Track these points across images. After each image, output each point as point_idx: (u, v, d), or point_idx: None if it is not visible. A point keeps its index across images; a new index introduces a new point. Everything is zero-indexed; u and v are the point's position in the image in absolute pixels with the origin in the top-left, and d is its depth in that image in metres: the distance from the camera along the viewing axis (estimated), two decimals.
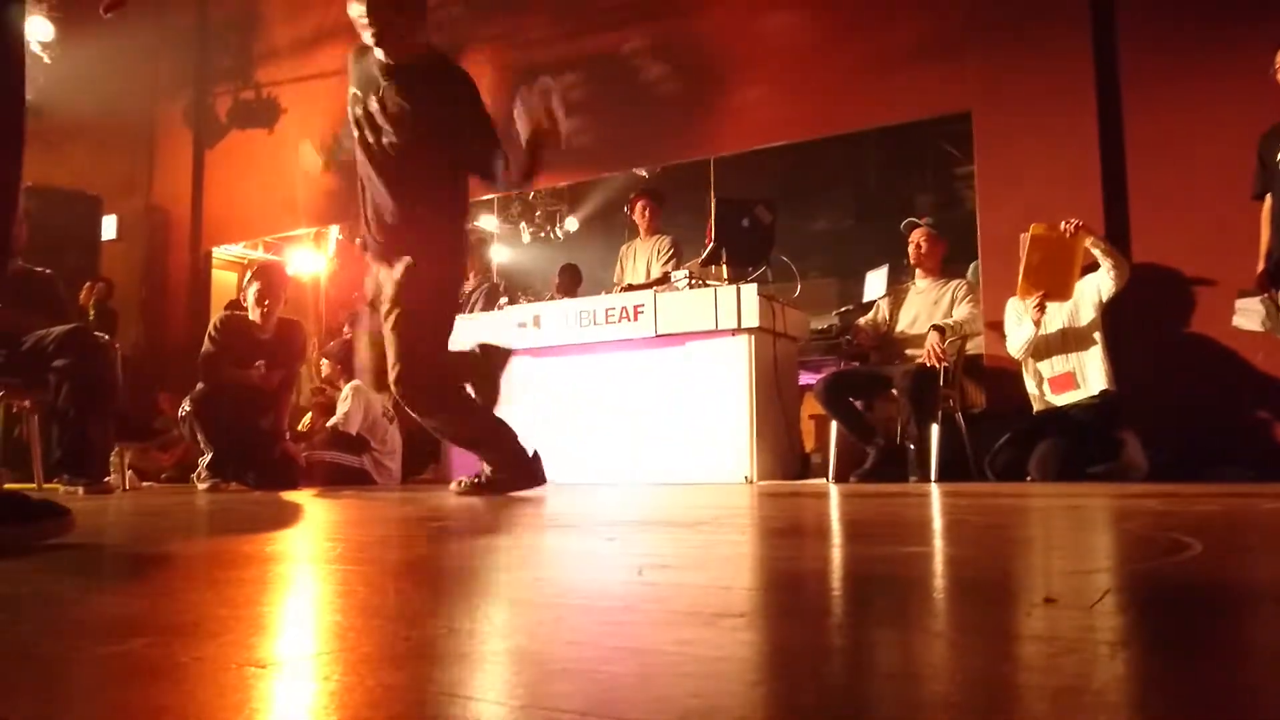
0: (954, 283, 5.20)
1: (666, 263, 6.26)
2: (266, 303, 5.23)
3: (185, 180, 8.82)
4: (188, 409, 5.06)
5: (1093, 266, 4.67)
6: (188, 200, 8.78)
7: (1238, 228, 4.36)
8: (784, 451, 5.29)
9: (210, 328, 5.37)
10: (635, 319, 5.29)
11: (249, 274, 5.56)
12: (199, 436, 5.05)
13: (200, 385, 5.09)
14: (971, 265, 5.73)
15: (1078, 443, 4.50)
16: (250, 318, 5.29)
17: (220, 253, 9.30)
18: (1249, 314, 4.12)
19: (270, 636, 0.83)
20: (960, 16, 5.60)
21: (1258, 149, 4.13)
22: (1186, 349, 4.85)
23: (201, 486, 4.98)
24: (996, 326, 5.07)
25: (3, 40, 1.49)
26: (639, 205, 6.53)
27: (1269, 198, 4.12)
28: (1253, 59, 4.23)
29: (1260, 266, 4.12)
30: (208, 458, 5.03)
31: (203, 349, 5.23)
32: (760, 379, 5.08)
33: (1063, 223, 4.61)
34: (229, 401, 5.08)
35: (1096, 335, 4.65)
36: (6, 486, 1.63)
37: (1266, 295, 4.06)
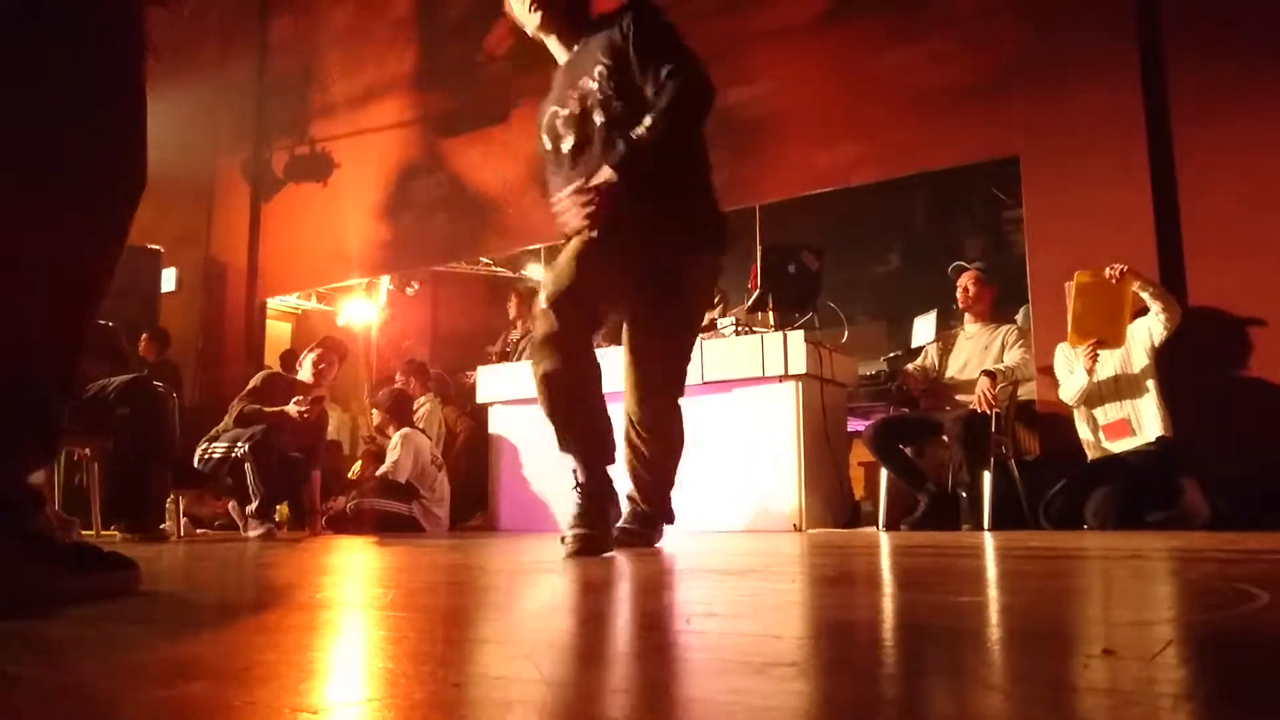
0: (1004, 328, 5.14)
1: (715, 306, 6.27)
2: (321, 367, 5.50)
3: (242, 233, 9.05)
4: (240, 453, 5.14)
5: (1144, 310, 4.59)
6: (244, 252, 9.00)
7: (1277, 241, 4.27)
8: (834, 499, 5.23)
9: (253, 381, 5.56)
10: None
11: (313, 345, 5.87)
12: (252, 481, 5.13)
13: (250, 430, 5.19)
14: (1022, 309, 5.66)
15: (1135, 490, 4.39)
16: (300, 378, 5.55)
17: (274, 304, 9.50)
18: None
19: (320, 682, 0.84)
20: (1006, 59, 5.60)
21: None
22: (1247, 392, 4.73)
23: (255, 533, 5.04)
24: (1048, 371, 5.00)
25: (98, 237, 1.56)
26: None
27: None
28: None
29: None
30: (255, 504, 5.09)
31: (242, 402, 5.38)
32: (808, 425, 5.04)
33: (1108, 269, 4.54)
34: (274, 441, 5.21)
35: (1150, 382, 4.56)
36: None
37: None
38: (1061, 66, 5.39)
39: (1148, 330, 4.56)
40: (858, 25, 6.21)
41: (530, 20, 3.18)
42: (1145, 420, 4.55)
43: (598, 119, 3.02)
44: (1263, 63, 4.91)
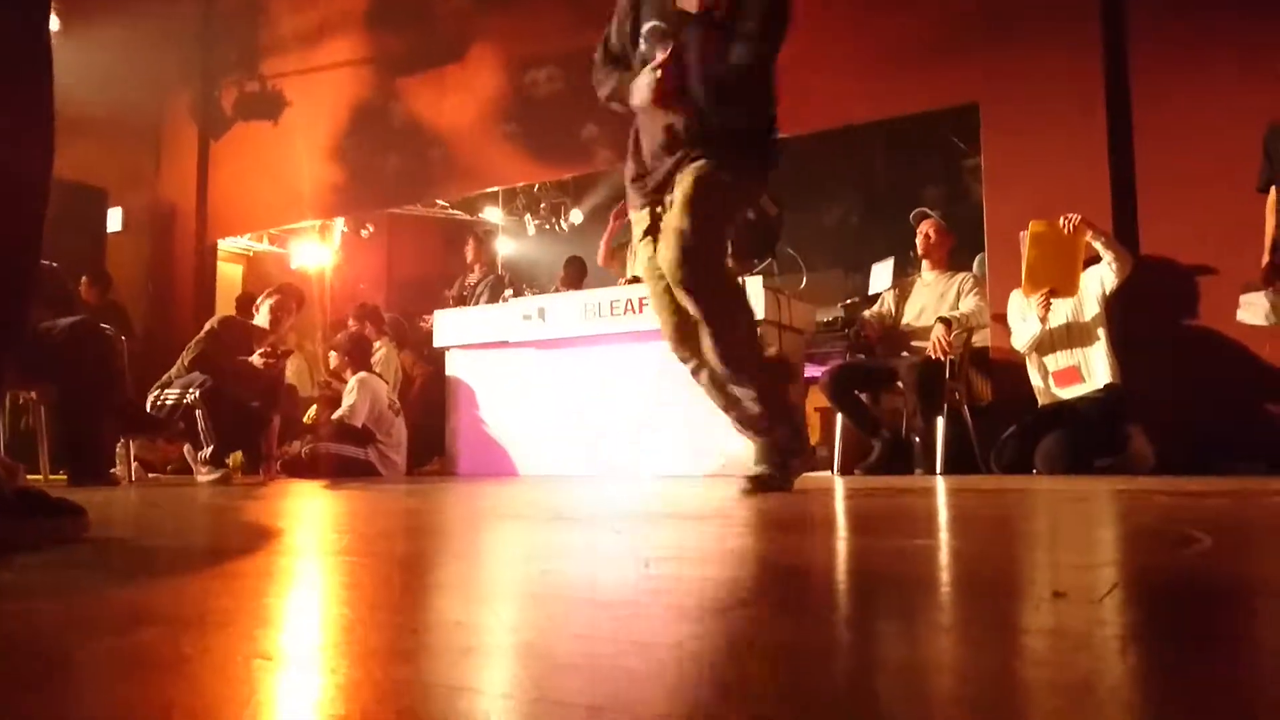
0: (960, 275, 5.19)
1: None
2: (279, 314, 5.46)
3: (190, 173, 8.83)
4: (192, 399, 5.07)
5: (1095, 259, 4.65)
6: (193, 193, 8.79)
7: (1246, 220, 4.33)
8: None
9: (209, 325, 5.47)
10: (640, 311, 5.28)
11: (270, 290, 5.79)
12: (204, 427, 5.07)
13: (202, 376, 5.11)
14: (977, 258, 5.71)
15: (1083, 436, 4.49)
16: (257, 323, 5.47)
17: (225, 245, 9.31)
18: (1253, 308, 4.10)
19: (276, 629, 0.83)
20: (968, 7, 5.57)
21: (1264, 141, 4.11)
22: (1194, 342, 4.84)
23: (208, 479, 4.99)
24: (1002, 319, 5.06)
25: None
26: None
27: (1274, 190, 4.10)
28: (1262, 50, 4.21)
29: (1265, 260, 4.10)
30: (208, 450, 5.04)
31: (199, 346, 5.29)
32: None
33: (1062, 219, 4.59)
34: (229, 389, 5.15)
35: (1100, 330, 4.63)
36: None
37: (1271, 289, 4.04)
38: (1023, 16, 5.37)
39: (1100, 279, 4.62)
40: None
41: None
42: (1095, 368, 4.63)
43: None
44: (1219, 15, 4.93)
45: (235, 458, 5.58)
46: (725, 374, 2.94)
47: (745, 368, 2.93)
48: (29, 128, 1.47)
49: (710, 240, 2.80)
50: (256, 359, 5.20)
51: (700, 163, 2.81)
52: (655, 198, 2.97)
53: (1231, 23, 4.86)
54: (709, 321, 2.82)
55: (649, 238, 2.99)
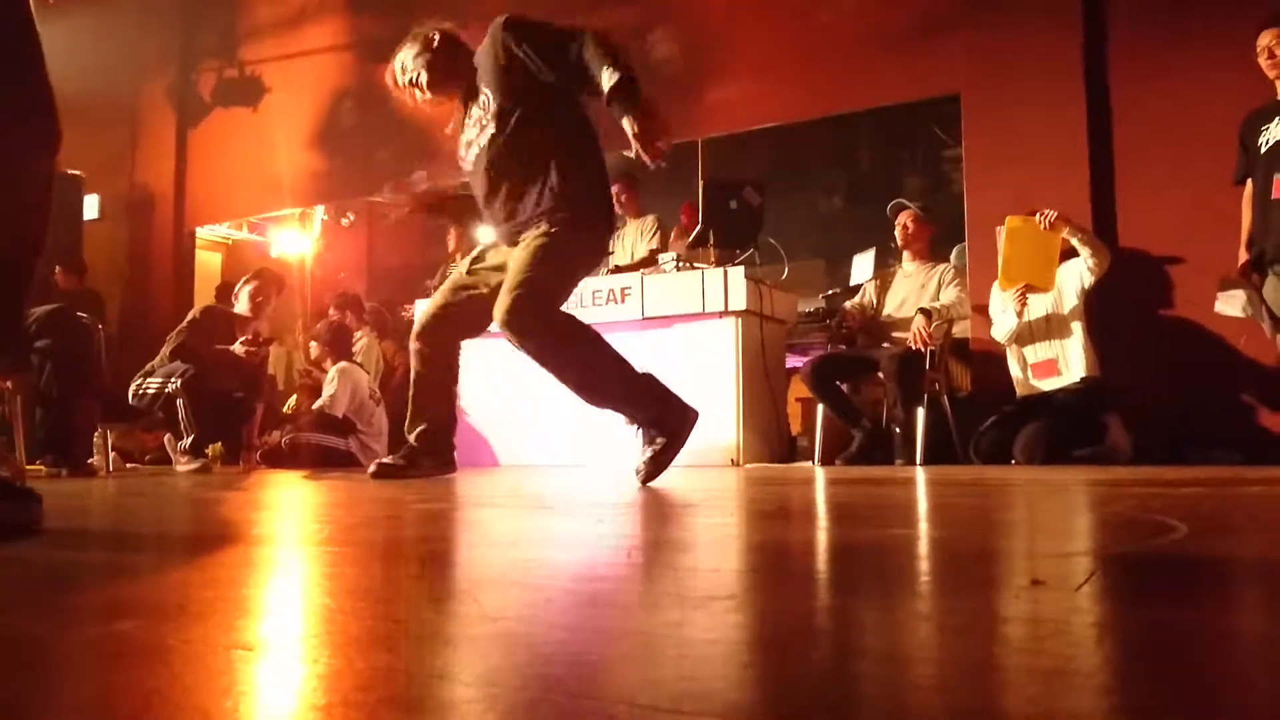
0: (941, 266, 5.21)
1: (651, 240, 6.26)
2: (259, 300, 5.42)
3: (169, 159, 8.74)
4: (173, 389, 5.04)
5: (1074, 251, 4.68)
6: (171, 179, 8.70)
7: (1223, 212, 4.37)
8: (771, 434, 5.30)
9: (191, 314, 5.44)
10: (622, 301, 5.28)
11: (249, 276, 5.77)
12: (184, 417, 5.04)
13: (184, 366, 5.08)
14: (957, 248, 5.73)
15: (1062, 427, 4.52)
16: (237, 311, 5.45)
17: (204, 233, 9.24)
18: (1231, 300, 4.14)
19: (257, 619, 0.83)
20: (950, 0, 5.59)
21: (1239, 133, 4.14)
22: (1172, 333, 4.88)
23: (188, 468, 4.96)
24: (982, 310, 5.09)
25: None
26: (615, 188, 6.52)
27: (1250, 183, 4.13)
28: (1239, 42, 4.23)
29: (1242, 252, 4.14)
30: (188, 440, 5.01)
31: (181, 336, 5.26)
32: (747, 362, 5.08)
33: (1039, 214, 4.61)
34: (209, 378, 5.12)
35: (1078, 323, 4.66)
36: None
37: (1248, 282, 4.07)
38: (1006, 8, 5.39)
39: (1078, 274, 4.65)
40: None
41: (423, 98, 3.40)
42: (1073, 360, 4.67)
43: (493, 129, 3.18)
44: (1198, 8, 4.97)
45: (215, 448, 5.56)
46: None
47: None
48: (26, 120, 1.46)
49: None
50: (238, 348, 5.17)
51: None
52: None
53: (1210, 16, 4.89)
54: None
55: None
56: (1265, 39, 3.96)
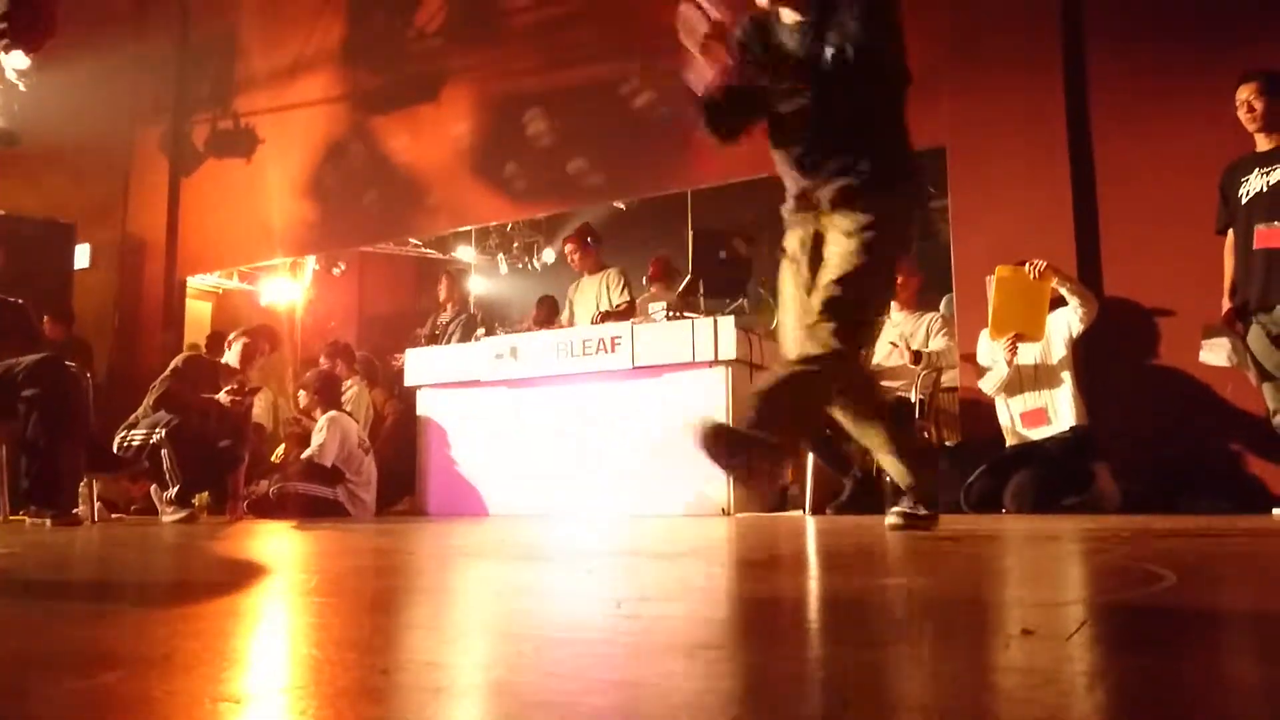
0: (928, 315, 5.24)
1: (620, 292, 6.28)
2: (249, 354, 5.49)
3: (161, 209, 8.77)
4: (158, 439, 5.01)
5: (1062, 302, 4.72)
6: (163, 228, 8.72)
7: (1207, 262, 4.42)
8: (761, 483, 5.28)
9: (174, 363, 5.44)
10: (613, 350, 5.29)
11: (243, 329, 5.79)
12: (169, 467, 5.00)
13: (168, 416, 5.06)
14: (946, 298, 5.78)
15: (1051, 475, 4.52)
16: (224, 361, 5.46)
17: (194, 282, 9.25)
18: (1215, 349, 4.17)
19: (243, 670, 0.82)
20: (934, 53, 5.68)
21: (1220, 184, 4.21)
22: (1159, 382, 4.90)
23: (174, 518, 4.92)
24: (970, 359, 5.11)
25: None
26: (568, 248, 6.55)
27: (1231, 232, 4.19)
28: (1219, 95, 4.32)
29: (1225, 301, 4.18)
30: (174, 490, 4.97)
31: (164, 384, 5.25)
32: (738, 410, 5.07)
33: (1028, 264, 4.65)
34: (194, 427, 5.10)
35: (1066, 373, 4.69)
36: None
37: (1232, 330, 4.11)
38: (989, 62, 5.49)
39: (1066, 323, 4.69)
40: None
41: None
42: (1061, 409, 4.68)
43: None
44: (1178, 63, 5.06)
45: (201, 497, 5.51)
46: None
47: None
48: None
49: None
50: (223, 397, 5.15)
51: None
52: None
53: (1190, 68, 4.99)
54: None
55: None
56: (1243, 93, 4.04)
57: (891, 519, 2.85)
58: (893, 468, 2.96)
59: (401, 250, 10.37)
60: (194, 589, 1.58)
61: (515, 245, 10.55)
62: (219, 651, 0.89)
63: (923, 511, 2.87)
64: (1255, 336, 4.02)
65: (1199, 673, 0.77)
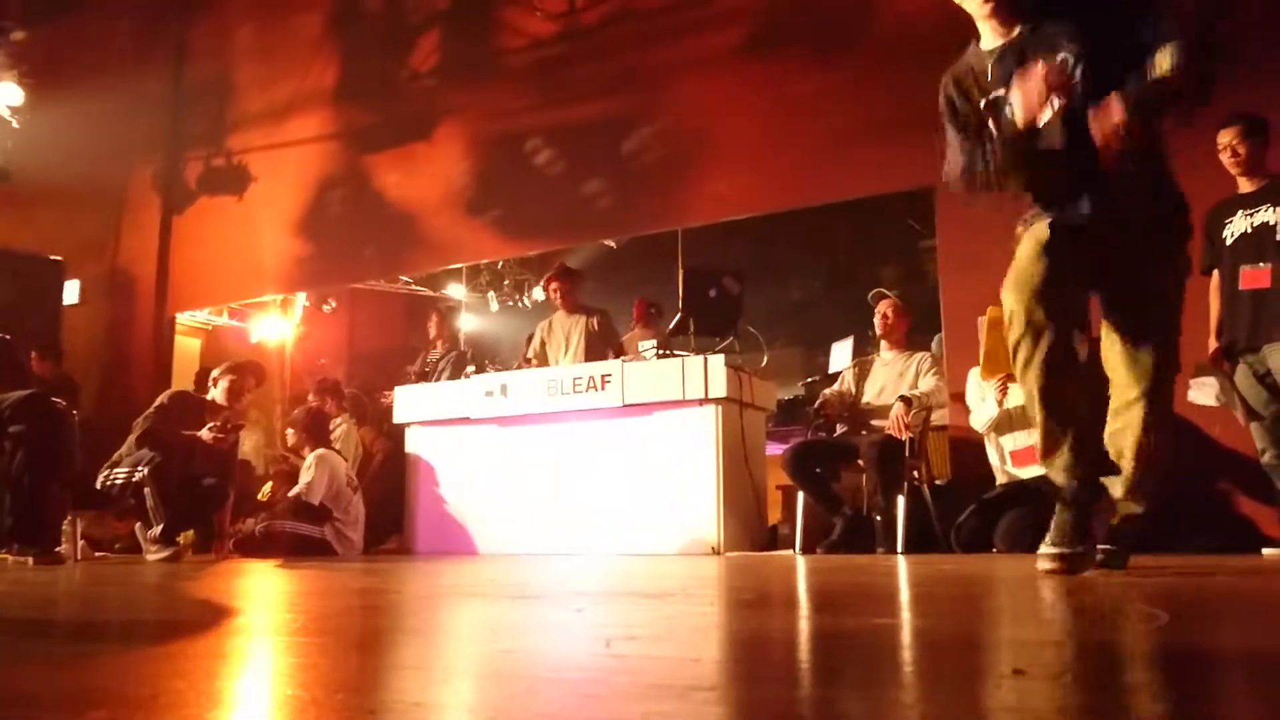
0: (918, 355, 5.26)
1: (604, 337, 6.24)
2: (235, 390, 5.47)
3: (152, 245, 8.78)
4: (140, 477, 4.98)
5: None
6: (153, 265, 8.73)
7: (1193, 303, 4.43)
8: (751, 522, 5.27)
9: (159, 400, 5.41)
10: (603, 388, 5.29)
11: (228, 365, 5.73)
12: (153, 505, 4.96)
13: (151, 453, 5.03)
14: (935, 338, 5.80)
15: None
16: (210, 398, 5.43)
17: (184, 319, 9.24)
18: (1204, 389, 4.19)
19: (229, 711, 0.81)
20: (924, 94, 5.74)
21: (1204, 225, 4.25)
22: None
23: (158, 557, 4.87)
24: (960, 398, 5.12)
25: None
26: (552, 286, 6.51)
27: (1216, 273, 4.23)
28: (1202, 137, 4.37)
29: (1212, 341, 4.21)
30: (158, 528, 4.93)
31: (148, 421, 5.22)
32: (727, 449, 5.08)
33: None
34: (177, 465, 5.06)
35: None
36: None
37: (1220, 370, 4.14)
38: None
39: None
40: (780, 55, 6.32)
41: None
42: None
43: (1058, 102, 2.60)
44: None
45: (186, 536, 5.46)
46: None
47: None
48: None
49: None
50: (206, 434, 5.12)
51: None
52: None
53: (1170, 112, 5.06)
54: None
55: None
56: (1225, 137, 4.11)
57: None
58: None
59: (392, 287, 10.38)
60: (178, 628, 1.56)
61: (506, 283, 10.58)
62: (204, 692, 0.88)
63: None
64: (1242, 376, 4.05)
65: (1192, 714, 0.77)
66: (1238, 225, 4.10)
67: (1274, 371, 3.96)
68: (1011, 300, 2.60)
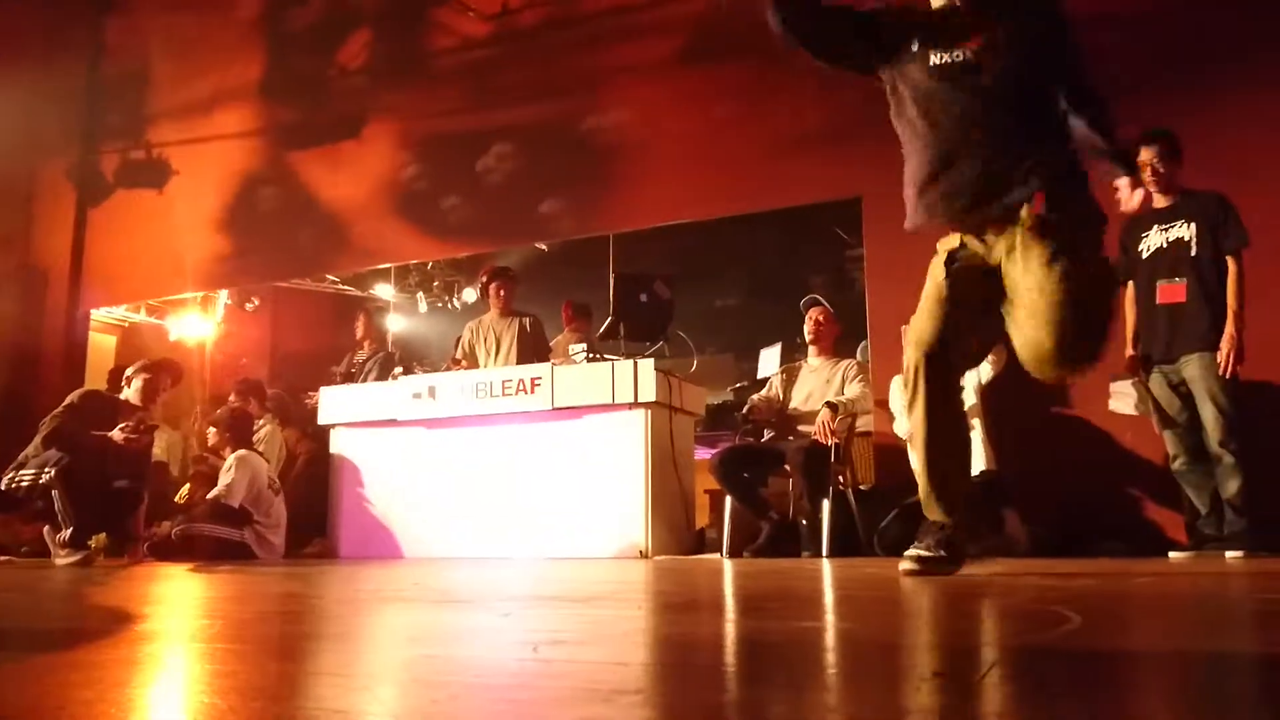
0: (845, 362, 5.34)
1: (535, 341, 6.21)
2: (150, 390, 5.30)
3: (66, 239, 8.48)
4: (47, 479, 4.80)
5: None
6: (67, 260, 8.43)
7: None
8: (679, 526, 5.29)
9: (69, 399, 5.23)
10: (532, 391, 5.27)
11: (143, 364, 5.57)
12: (61, 508, 4.79)
13: (59, 454, 4.86)
14: (861, 345, 5.90)
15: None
16: (124, 397, 5.27)
17: (99, 315, 8.95)
18: (1123, 397, 4.34)
19: None
20: (853, 105, 5.83)
21: (1120, 238, 4.40)
22: (1065, 429, 5.06)
23: (67, 561, 4.70)
24: (885, 405, 5.21)
25: None
26: (493, 287, 6.46)
27: (1131, 284, 4.38)
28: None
29: (1129, 350, 4.36)
30: (67, 532, 4.76)
31: (55, 421, 5.05)
32: (656, 453, 5.09)
33: None
34: (88, 467, 4.90)
35: (975, 419, 4.81)
36: None
37: (1137, 379, 4.28)
38: None
39: (976, 372, 4.82)
40: (713, 66, 6.37)
41: None
42: (971, 455, 4.80)
43: (986, 81, 2.64)
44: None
45: (98, 539, 5.28)
46: None
47: None
48: None
49: None
50: (117, 434, 4.95)
51: None
52: None
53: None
54: None
55: None
56: (1146, 155, 4.25)
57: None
58: None
59: (318, 286, 10.19)
60: (87, 636, 1.51)
61: (436, 284, 10.47)
62: (114, 702, 0.85)
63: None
64: (1158, 384, 4.22)
65: (1105, 713, 0.79)
66: (1153, 240, 4.26)
67: (1188, 381, 4.12)
68: (909, 352, 2.72)
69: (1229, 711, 0.80)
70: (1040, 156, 2.64)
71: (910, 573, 2.59)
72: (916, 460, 2.80)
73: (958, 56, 2.68)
